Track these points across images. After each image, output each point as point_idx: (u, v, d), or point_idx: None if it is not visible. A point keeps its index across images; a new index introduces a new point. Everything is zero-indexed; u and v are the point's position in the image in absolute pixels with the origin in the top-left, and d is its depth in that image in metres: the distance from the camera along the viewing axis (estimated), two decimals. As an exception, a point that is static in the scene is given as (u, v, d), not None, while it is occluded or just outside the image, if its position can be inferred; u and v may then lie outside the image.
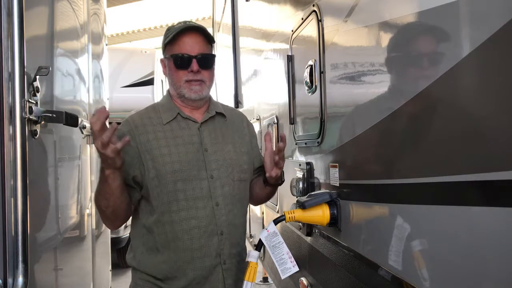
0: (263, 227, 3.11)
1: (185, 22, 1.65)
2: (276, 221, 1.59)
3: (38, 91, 1.60)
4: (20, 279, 1.41)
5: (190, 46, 1.60)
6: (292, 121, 2.19)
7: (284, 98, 2.32)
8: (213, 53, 1.68)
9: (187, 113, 1.66)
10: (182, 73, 1.61)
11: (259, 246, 1.56)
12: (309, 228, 1.95)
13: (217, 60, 1.71)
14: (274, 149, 1.59)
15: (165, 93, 1.76)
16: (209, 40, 1.66)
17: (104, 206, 1.54)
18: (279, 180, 1.70)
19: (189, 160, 1.58)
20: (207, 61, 1.63)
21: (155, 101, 2.06)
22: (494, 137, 0.81)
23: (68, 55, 2.30)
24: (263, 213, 3.29)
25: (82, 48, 2.56)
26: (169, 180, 1.55)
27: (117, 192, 1.49)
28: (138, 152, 1.57)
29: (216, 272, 1.59)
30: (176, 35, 1.61)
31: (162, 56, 1.72)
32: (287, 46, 2.24)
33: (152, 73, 7.34)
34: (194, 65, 1.59)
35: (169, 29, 1.66)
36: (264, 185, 1.73)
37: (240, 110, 3.19)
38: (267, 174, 1.64)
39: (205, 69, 1.62)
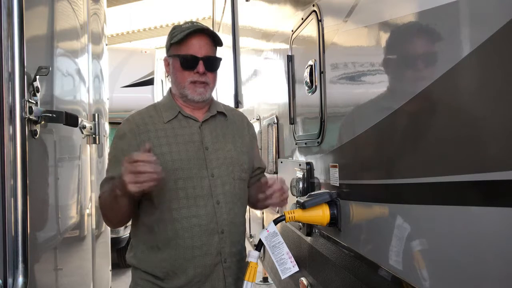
0: (263, 227, 3.11)
1: (192, 23, 1.65)
2: (276, 221, 1.59)
3: (38, 91, 1.60)
4: (20, 279, 1.41)
5: (198, 48, 1.61)
6: (292, 121, 2.19)
7: (284, 98, 2.32)
8: (219, 57, 1.69)
9: (188, 112, 1.66)
10: (188, 74, 1.62)
11: (259, 246, 1.56)
12: (309, 228, 1.95)
13: (222, 63, 1.72)
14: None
15: (165, 93, 1.76)
16: (216, 43, 1.67)
17: (110, 216, 1.58)
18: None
19: (190, 158, 1.58)
20: (213, 64, 1.64)
21: (155, 101, 2.06)
22: (493, 137, 0.81)
23: (68, 55, 2.29)
24: (263, 213, 3.29)
25: (82, 48, 2.56)
26: (170, 178, 1.56)
27: (126, 208, 1.52)
28: (139, 151, 1.58)
29: (217, 270, 1.59)
30: (185, 35, 1.61)
31: (162, 56, 1.72)
32: (287, 46, 2.24)
33: (152, 73, 7.34)
34: (201, 67, 1.60)
35: (175, 28, 1.65)
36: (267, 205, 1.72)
37: (240, 110, 3.19)
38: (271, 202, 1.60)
39: (210, 72, 1.63)
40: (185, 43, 1.62)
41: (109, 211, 1.55)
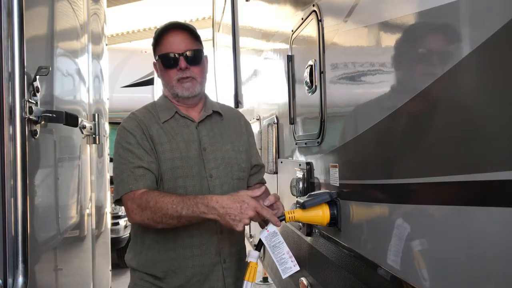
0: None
1: (170, 23, 1.65)
2: (276, 221, 1.59)
3: (38, 91, 1.60)
4: (20, 279, 1.41)
5: (176, 44, 1.60)
6: (292, 121, 2.19)
7: (284, 98, 2.32)
8: (200, 48, 1.67)
9: (184, 112, 1.66)
10: (172, 72, 1.61)
11: (259, 246, 1.56)
12: (309, 228, 1.95)
13: (205, 55, 1.70)
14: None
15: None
16: (195, 36, 1.66)
17: (168, 224, 1.49)
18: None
19: (190, 157, 1.59)
20: (194, 57, 1.62)
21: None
22: (494, 137, 0.81)
23: (68, 55, 2.29)
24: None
25: (82, 48, 2.56)
26: (170, 177, 1.56)
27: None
28: (153, 145, 1.58)
29: (216, 270, 1.59)
30: (160, 35, 1.61)
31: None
32: (287, 46, 2.24)
33: (152, 73, 7.34)
34: (182, 63, 1.59)
35: (156, 31, 1.66)
36: None
37: (240, 110, 3.19)
38: None
39: (193, 65, 1.62)
40: (163, 43, 1.61)
41: (173, 223, 1.47)
